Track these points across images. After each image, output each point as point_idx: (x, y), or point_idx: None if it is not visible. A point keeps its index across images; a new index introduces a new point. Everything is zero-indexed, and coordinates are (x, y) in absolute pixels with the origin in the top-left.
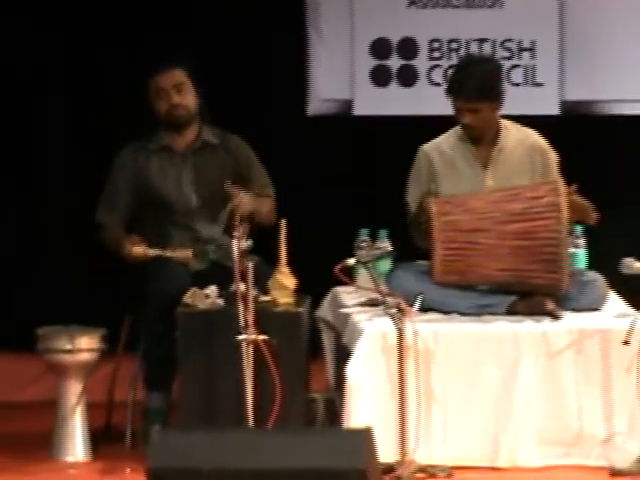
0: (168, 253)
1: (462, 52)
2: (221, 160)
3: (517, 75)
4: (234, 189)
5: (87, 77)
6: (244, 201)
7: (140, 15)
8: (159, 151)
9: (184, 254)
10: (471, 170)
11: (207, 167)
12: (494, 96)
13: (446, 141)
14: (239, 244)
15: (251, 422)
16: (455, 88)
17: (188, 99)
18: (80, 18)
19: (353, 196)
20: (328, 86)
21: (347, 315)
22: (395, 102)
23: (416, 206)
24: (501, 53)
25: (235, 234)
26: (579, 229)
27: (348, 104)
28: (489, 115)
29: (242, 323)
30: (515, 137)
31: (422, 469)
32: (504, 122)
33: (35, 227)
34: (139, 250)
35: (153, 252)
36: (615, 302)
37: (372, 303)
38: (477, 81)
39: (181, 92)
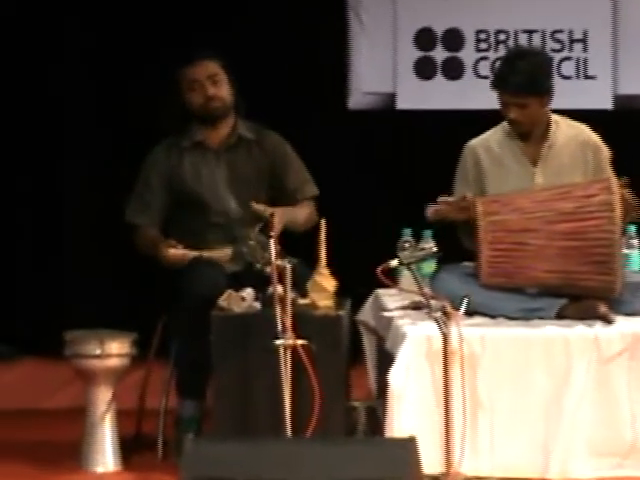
0: (206, 254)
1: (510, 44)
2: (256, 157)
3: (568, 68)
4: (261, 208)
5: (118, 76)
6: (274, 220)
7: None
8: (192, 148)
9: (223, 254)
10: (520, 167)
11: (242, 164)
12: (542, 91)
13: (493, 137)
14: (276, 245)
15: (289, 431)
16: (501, 82)
17: (223, 91)
18: (118, 15)
19: (396, 194)
20: (370, 79)
21: (389, 319)
22: (440, 96)
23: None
24: (551, 45)
25: (272, 234)
26: (633, 229)
27: (390, 97)
28: (537, 110)
29: (279, 327)
30: (566, 133)
31: None
32: (554, 117)
33: (60, 227)
34: (177, 253)
35: (191, 254)
36: None
37: (416, 306)
38: (525, 75)
39: (216, 83)
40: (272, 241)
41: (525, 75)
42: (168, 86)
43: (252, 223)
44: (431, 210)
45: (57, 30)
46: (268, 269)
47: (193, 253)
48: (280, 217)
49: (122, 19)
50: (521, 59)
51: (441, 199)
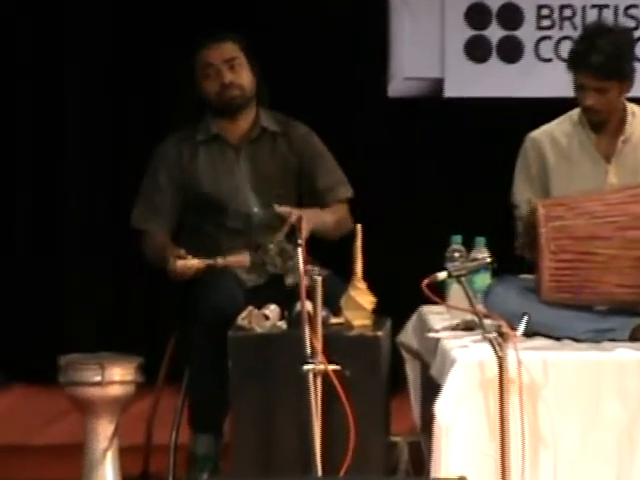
0: (220, 261)
1: (576, 21)
2: (282, 152)
3: None
4: (286, 210)
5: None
6: (302, 225)
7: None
8: (208, 142)
9: (240, 260)
10: (591, 164)
11: (265, 160)
12: (624, 74)
13: (559, 128)
14: (304, 254)
15: (319, 471)
16: (579, 61)
17: (243, 77)
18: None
19: (445, 196)
20: (413, 62)
21: (436, 341)
22: (495, 81)
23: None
24: (624, 22)
25: (300, 242)
26: None
27: (438, 84)
28: (616, 97)
29: (308, 350)
30: None
31: None
32: (631, 107)
33: (56, 233)
34: (186, 265)
35: (203, 264)
36: None
37: (467, 326)
38: (606, 55)
39: (234, 68)
40: (300, 250)
41: (607, 55)
42: (181, 73)
43: (277, 229)
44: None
45: (57, 23)
46: (289, 279)
47: (205, 262)
48: (308, 221)
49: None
50: (603, 36)
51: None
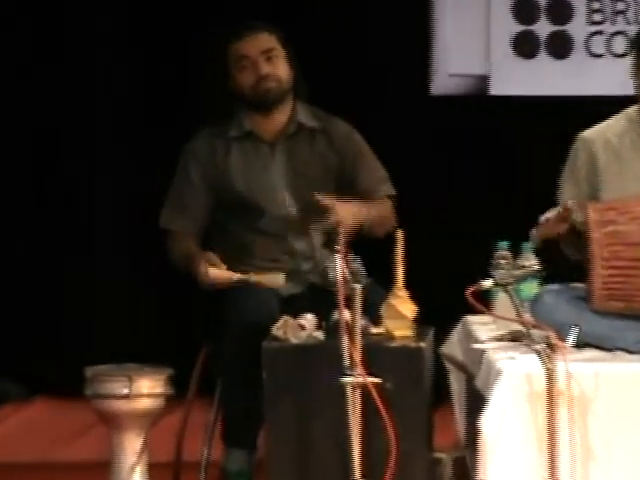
0: (253, 278)
1: (629, 15)
2: (322, 150)
3: None
4: (328, 201)
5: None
6: (345, 215)
7: None
8: (241, 139)
9: (275, 280)
10: None
11: (304, 158)
12: None
13: (613, 128)
14: (344, 261)
15: None
16: None
17: (280, 69)
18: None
19: (490, 199)
20: (457, 58)
21: (481, 352)
22: (543, 78)
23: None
24: None
25: (338, 244)
26: None
27: (483, 81)
28: None
29: (347, 362)
30: None
31: None
32: None
33: (79, 235)
34: (219, 275)
35: (235, 278)
36: None
37: (514, 337)
38: None
39: (271, 60)
40: (338, 256)
41: None
42: (212, 65)
43: (314, 232)
44: (535, 233)
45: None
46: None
47: (237, 275)
48: (353, 212)
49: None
50: None
51: (543, 218)
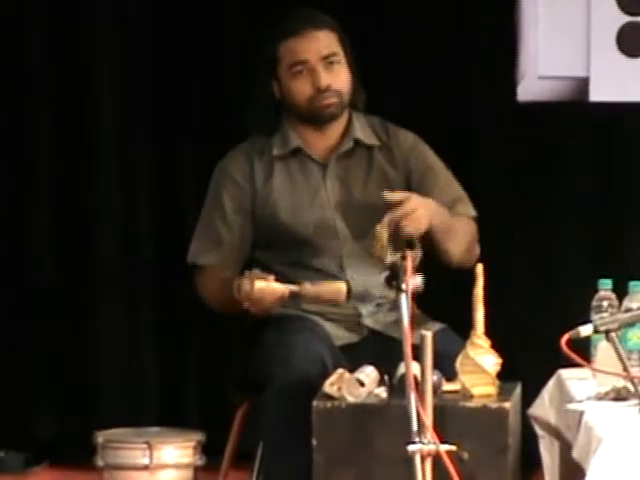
0: (309, 288)
1: None
2: (382, 167)
3: None
4: (395, 197)
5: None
6: (418, 214)
7: None
8: (287, 158)
9: (335, 291)
10: None
11: (361, 180)
12: None
13: None
14: (411, 299)
15: None
16: None
17: (342, 79)
18: None
19: (590, 226)
20: (550, 58)
21: (579, 414)
22: None
23: None
24: None
25: (404, 284)
26: None
27: (581, 84)
28: None
29: (415, 426)
30: None
31: None
32: None
33: (83, 286)
34: (268, 288)
35: (287, 290)
36: None
37: (618, 395)
38: None
39: (332, 67)
40: (404, 296)
41: None
42: (259, 65)
43: (376, 269)
44: None
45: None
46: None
47: (288, 287)
48: (428, 210)
49: None
50: None
51: None
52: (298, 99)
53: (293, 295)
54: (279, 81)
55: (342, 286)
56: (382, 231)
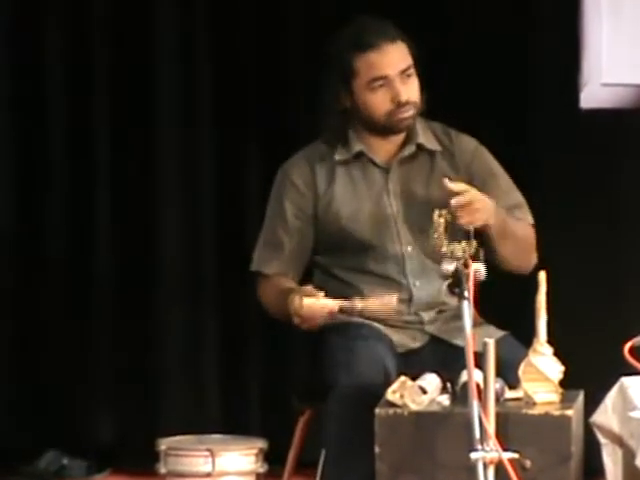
0: (358, 303)
1: None
2: (444, 172)
3: None
4: (454, 188)
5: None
6: (475, 206)
7: None
8: (349, 162)
9: (385, 302)
10: None
11: (423, 185)
12: None
13: None
14: (472, 303)
15: None
16: None
17: (416, 91)
18: None
19: None
20: (614, 64)
21: None
22: None
23: None
24: None
25: (467, 291)
26: None
27: None
28: None
29: (477, 433)
30: None
31: None
32: None
33: (140, 289)
34: (316, 305)
35: (337, 306)
36: None
37: None
38: None
39: (408, 81)
40: (466, 303)
41: None
42: (325, 74)
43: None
44: None
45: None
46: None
47: (338, 303)
48: (489, 205)
49: None
50: None
51: None
52: (376, 112)
53: (343, 311)
54: (351, 92)
55: (392, 299)
56: (439, 219)
